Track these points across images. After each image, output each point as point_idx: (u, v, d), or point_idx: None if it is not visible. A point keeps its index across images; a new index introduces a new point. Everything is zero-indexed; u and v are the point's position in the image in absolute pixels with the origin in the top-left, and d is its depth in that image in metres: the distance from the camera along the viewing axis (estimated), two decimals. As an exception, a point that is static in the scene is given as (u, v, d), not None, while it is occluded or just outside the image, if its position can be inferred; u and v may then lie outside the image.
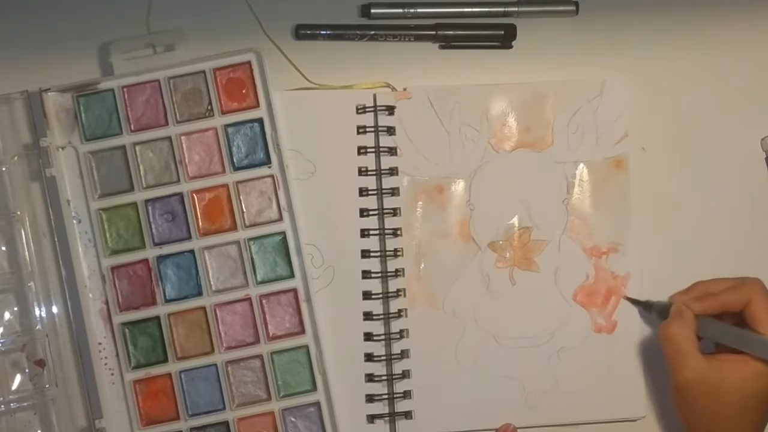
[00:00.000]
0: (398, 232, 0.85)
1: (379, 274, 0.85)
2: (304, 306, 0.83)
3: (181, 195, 0.84)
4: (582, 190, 0.86)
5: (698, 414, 0.79)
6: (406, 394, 0.85)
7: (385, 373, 0.85)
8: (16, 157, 0.84)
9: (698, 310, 0.81)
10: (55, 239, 0.83)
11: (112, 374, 0.83)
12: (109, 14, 0.85)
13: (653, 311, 0.85)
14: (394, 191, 0.85)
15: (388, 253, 0.85)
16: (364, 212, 0.85)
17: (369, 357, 0.85)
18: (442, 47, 0.87)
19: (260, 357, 0.83)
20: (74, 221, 0.83)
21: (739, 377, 0.78)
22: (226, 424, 0.83)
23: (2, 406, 0.83)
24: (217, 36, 0.85)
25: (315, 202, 0.84)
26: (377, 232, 0.85)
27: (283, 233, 0.83)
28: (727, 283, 0.82)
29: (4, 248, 0.84)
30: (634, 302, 0.86)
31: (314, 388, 0.83)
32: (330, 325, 0.84)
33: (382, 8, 0.86)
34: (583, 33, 0.88)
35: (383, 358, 0.84)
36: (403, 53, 0.87)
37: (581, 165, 0.86)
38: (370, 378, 0.84)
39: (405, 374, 0.85)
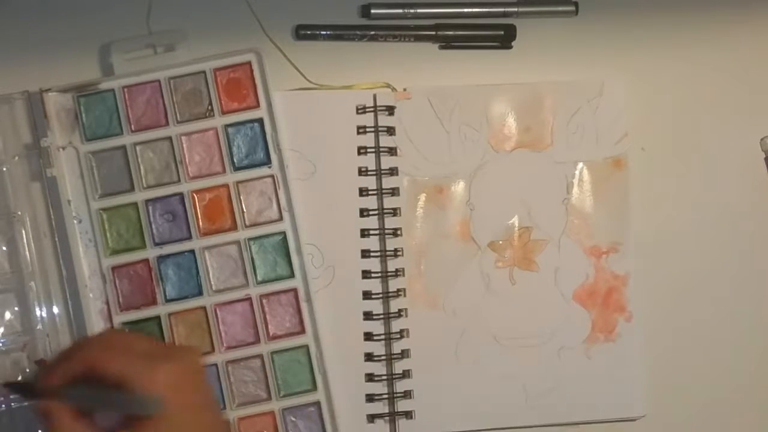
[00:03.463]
0: (398, 232, 0.85)
1: (379, 274, 0.85)
2: (304, 306, 0.83)
3: (181, 195, 0.84)
4: (582, 190, 0.86)
5: None
6: (407, 394, 0.85)
7: (385, 372, 0.85)
8: (16, 157, 0.84)
9: (61, 380, 0.68)
10: (56, 239, 0.83)
11: (113, 374, 0.83)
12: (109, 14, 0.85)
13: (23, 396, 0.74)
14: (394, 191, 0.85)
15: (388, 253, 0.85)
16: (364, 212, 0.85)
17: (369, 357, 0.85)
18: (442, 47, 0.87)
19: (260, 357, 0.83)
20: (75, 221, 0.83)
21: None
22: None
23: (2, 405, 0.83)
24: (217, 36, 0.85)
25: (315, 202, 0.84)
26: (377, 232, 0.85)
27: (283, 233, 0.84)
28: (67, 353, 0.70)
29: (4, 248, 0.84)
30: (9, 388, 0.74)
31: (314, 387, 0.83)
32: (330, 325, 0.84)
33: (382, 8, 0.86)
34: (583, 33, 0.88)
35: (383, 357, 0.85)
36: (403, 53, 0.87)
37: (581, 165, 0.86)
38: (370, 378, 0.85)
39: (405, 374, 0.85)
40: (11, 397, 0.81)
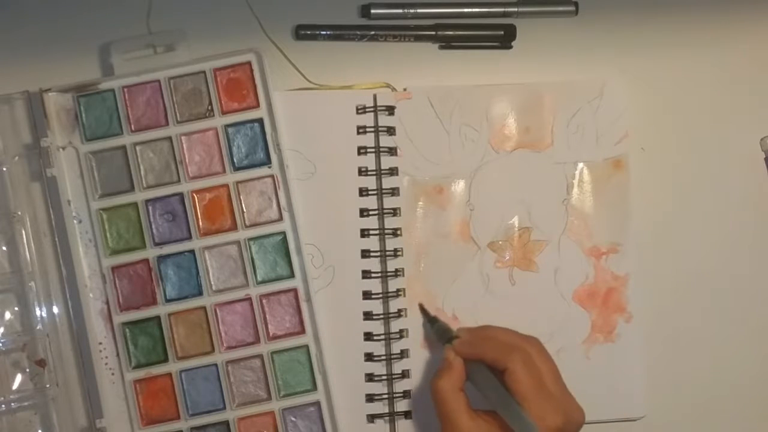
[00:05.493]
0: (398, 232, 0.85)
1: (379, 274, 0.85)
2: (304, 306, 0.84)
3: (181, 195, 0.84)
4: (582, 190, 0.86)
5: None
6: (406, 394, 0.85)
7: (385, 372, 0.85)
8: (16, 157, 0.84)
9: (465, 355, 0.79)
10: (56, 239, 0.83)
11: (113, 374, 0.83)
12: (109, 14, 0.85)
13: (433, 330, 0.83)
14: (394, 191, 0.85)
15: (388, 253, 0.85)
16: (364, 212, 0.85)
17: (369, 357, 0.85)
18: (442, 47, 0.87)
19: (260, 357, 0.83)
20: (75, 221, 0.83)
21: None
22: (226, 423, 0.83)
23: (3, 405, 0.83)
24: (217, 36, 0.85)
25: (315, 202, 0.84)
26: (377, 232, 0.85)
27: (283, 233, 0.84)
28: (507, 338, 0.79)
29: (4, 248, 0.84)
30: (423, 312, 0.84)
31: (314, 387, 0.83)
32: (330, 325, 0.84)
33: (382, 8, 0.86)
34: (583, 33, 0.88)
35: (383, 357, 0.85)
36: (403, 53, 0.87)
37: (581, 165, 0.86)
38: (370, 378, 0.85)
39: (405, 374, 0.85)
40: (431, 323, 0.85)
